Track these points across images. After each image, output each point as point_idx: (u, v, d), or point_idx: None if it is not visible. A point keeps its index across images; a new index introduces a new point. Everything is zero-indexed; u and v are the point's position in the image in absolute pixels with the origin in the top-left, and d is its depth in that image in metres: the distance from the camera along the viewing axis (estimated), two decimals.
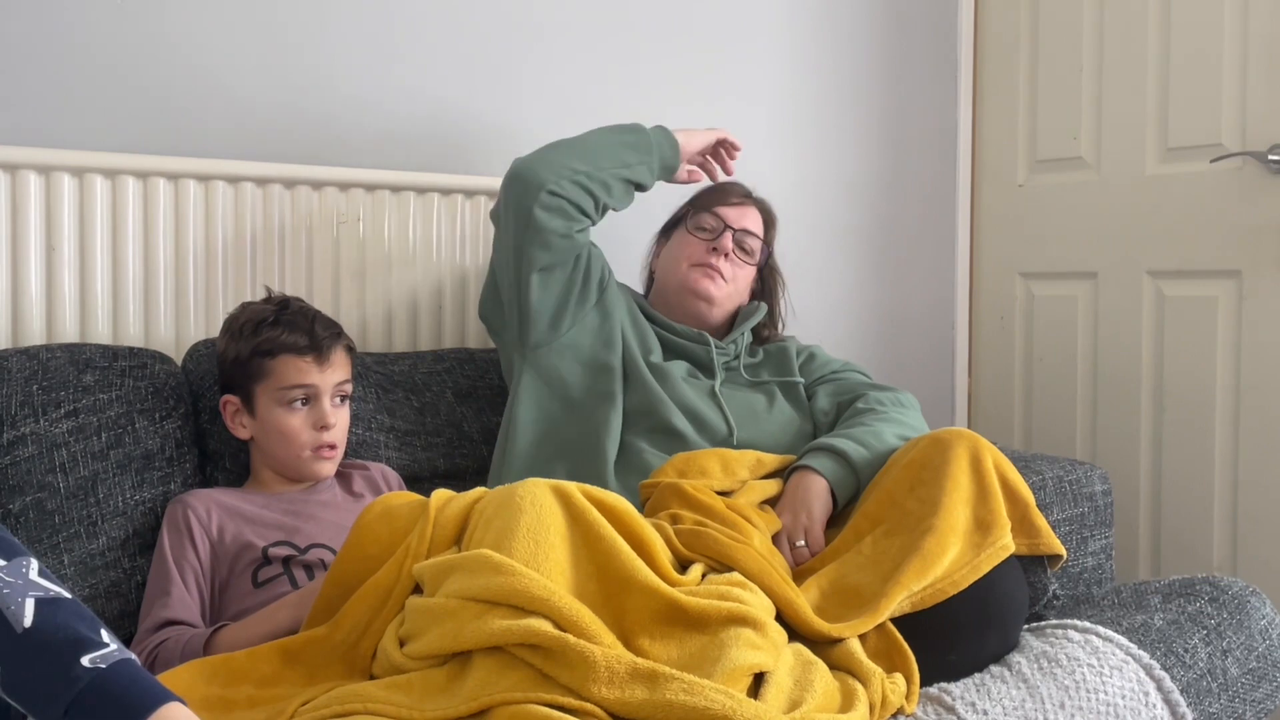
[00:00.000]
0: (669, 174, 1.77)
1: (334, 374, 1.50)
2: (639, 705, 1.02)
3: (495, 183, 1.74)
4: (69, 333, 1.62)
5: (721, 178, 1.87)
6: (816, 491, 1.51)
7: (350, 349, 1.56)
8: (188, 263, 1.70)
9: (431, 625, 1.09)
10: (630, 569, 1.15)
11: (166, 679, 1.10)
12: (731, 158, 1.86)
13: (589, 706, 1.02)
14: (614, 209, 1.71)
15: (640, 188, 1.73)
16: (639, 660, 1.05)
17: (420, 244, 1.90)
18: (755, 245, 1.80)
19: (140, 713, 0.87)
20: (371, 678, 1.14)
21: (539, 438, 1.62)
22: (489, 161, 1.97)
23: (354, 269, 1.84)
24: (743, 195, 1.83)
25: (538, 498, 1.16)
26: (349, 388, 1.54)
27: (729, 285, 1.77)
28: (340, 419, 1.51)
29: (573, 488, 1.19)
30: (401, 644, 1.13)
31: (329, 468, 1.51)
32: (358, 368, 1.72)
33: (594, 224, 1.69)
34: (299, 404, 1.48)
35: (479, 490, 1.24)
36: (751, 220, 1.80)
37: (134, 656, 0.93)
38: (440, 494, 1.24)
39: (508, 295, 1.68)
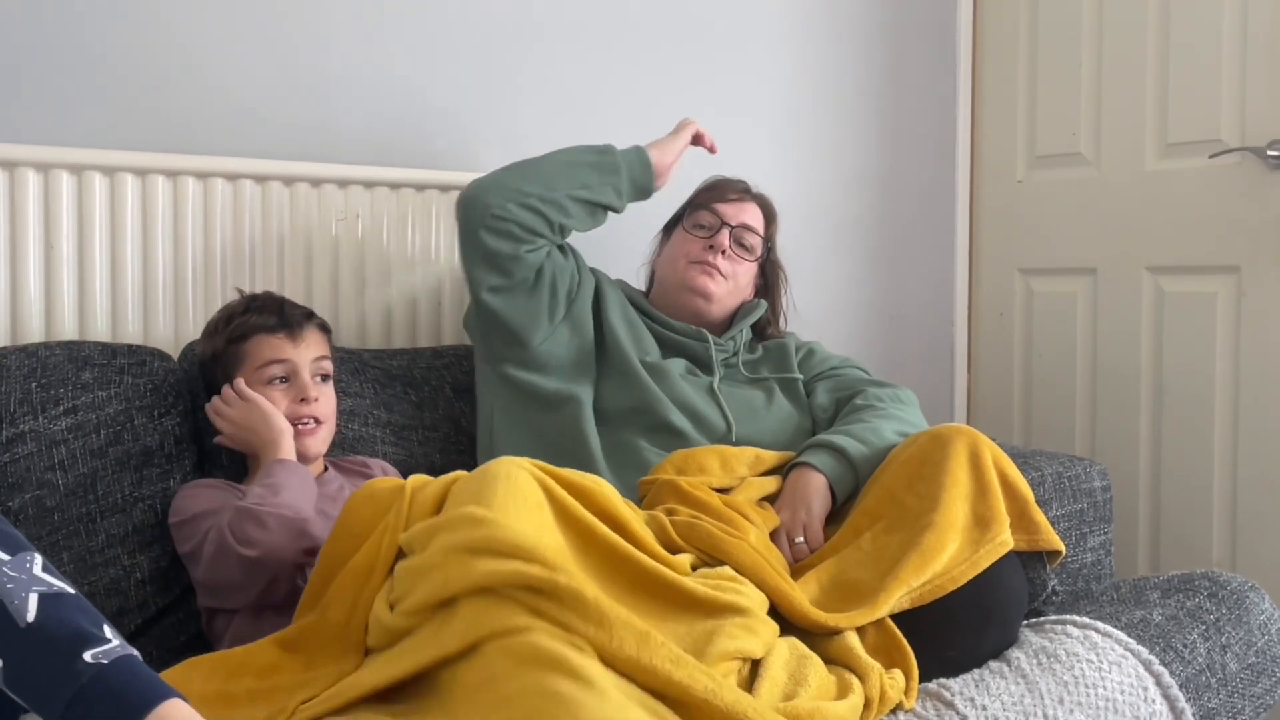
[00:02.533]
0: (643, 194, 1.74)
1: (309, 350, 1.51)
2: (625, 660, 0.99)
3: None
4: (68, 330, 1.62)
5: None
6: (815, 488, 1.51)
7: (324, 329, 1.57)
8: (186, 260, 1.70)
9: (420, 580, 1.07)
10: (611, 542, 1.12)
11: (167, 676, 1.10)
12: (710, 148, 1.85)
13: (580, 643, 0.99)
14: (577, 229, 1.69)
15: (610, 209, 1.71)
16: (633, 616, 1.03)
17: (419, 241, 1.90)
18: (754, 241, 1.80)
19: (141, 709, 0.88)
20: (367, 652, 1.13)
21: (520, 448, 1.62)
22: (488, 159, 1.97)
23: (353, 266, 1.84)
24: (741, 191, 1.83)
25: (512, 473, 1.13)
26: (328, 365, 1.55)
27: (728, 282, 1.76)
28: (323, 396, 1.52)
29: (544, 475, 1.15)
30: (392, 609, 1.12)
31: (315, 444, 1.50)
32: (356, 363, 1.72)
33: (553, 243, 1.67)
34: (279, 381, 1.49)
35: (457, 473, 1.24)
36: (750, 215, 1.80)
37: (135, 653, 0.93)
38: (417, 477, 1.23)
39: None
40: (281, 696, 1.08)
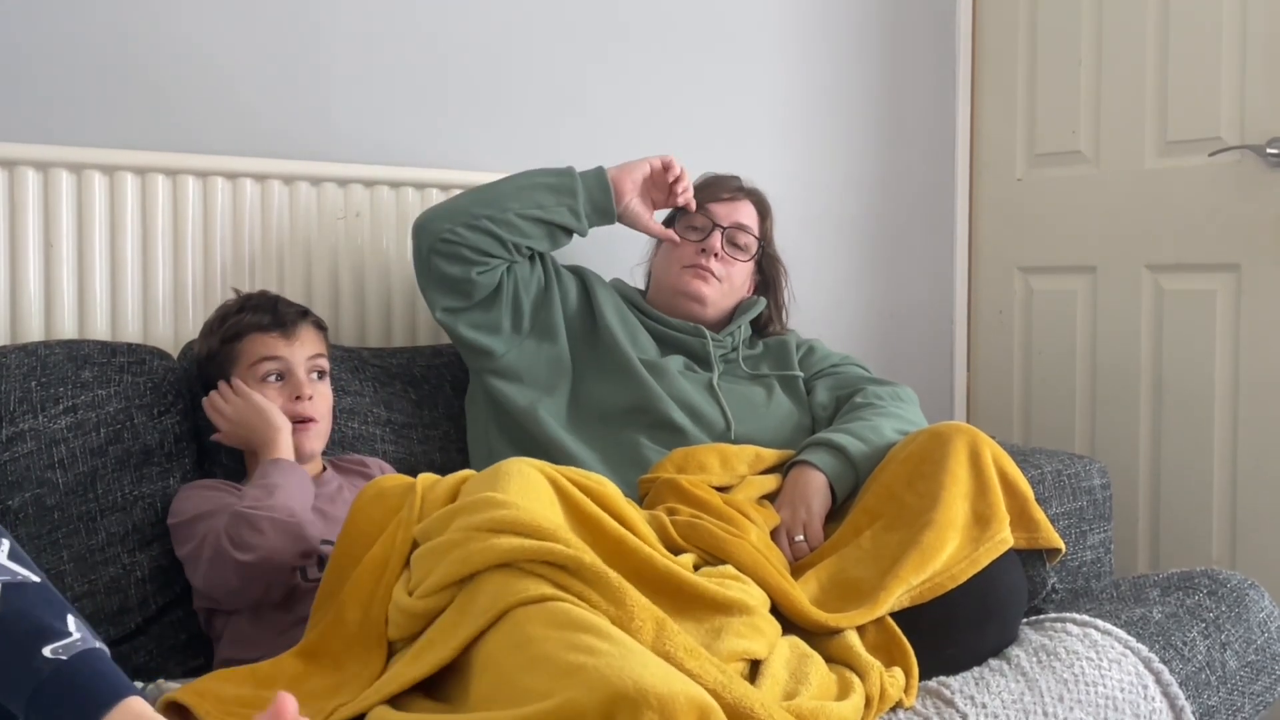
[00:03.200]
0: (604, 216, 1.69)
1: (304, 348, 1.51)
2: (643, 644, 1.00)
3: (494, 179, 1.74)
4: (67, 329, 1.62)
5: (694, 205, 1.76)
6: (815, 486, 1.51)
7: (320, 326, 1.57)
8: (186, 259, 1.70)
9: (439, 560, 1.07)
10: (620, 536, 1.14)
11: (194, 686, 1.09)
12: (679, 183, 1.72)
13: (602, 622, 0.99)
14: (537, 249, 1.68)
15: (567, 229, 1.67)
16: (652, 605, 1.04)
17: None
18: (748, 241, 1.79)
19: (100, 706, 0.86)
20: (390, 644, 1.13)
21: (505, 450, 1.63)
22: (488, 159, 1.97)
23: (353, 265, 1.84)
24: (734, 189, 1.81)
25: (524, 470, 1.15)
26: (324, 363, 1.55)
27: (722, 284, 1.76)
28: (319, 394, 1.52)
29: (555, 472, 1.18)
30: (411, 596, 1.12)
31: (311, 442, 1.50)
32: (355, 361, 1.72)
33: (509, 261, 1.66)
34: (273, 379, 1.49)
35: (466, 471, 1.24)
36: (744, 214, 1.79)
37: (100, 646, 0.91)
38: (427, 476, 1.24)
39: None
40: (317, 702, 1.08)
